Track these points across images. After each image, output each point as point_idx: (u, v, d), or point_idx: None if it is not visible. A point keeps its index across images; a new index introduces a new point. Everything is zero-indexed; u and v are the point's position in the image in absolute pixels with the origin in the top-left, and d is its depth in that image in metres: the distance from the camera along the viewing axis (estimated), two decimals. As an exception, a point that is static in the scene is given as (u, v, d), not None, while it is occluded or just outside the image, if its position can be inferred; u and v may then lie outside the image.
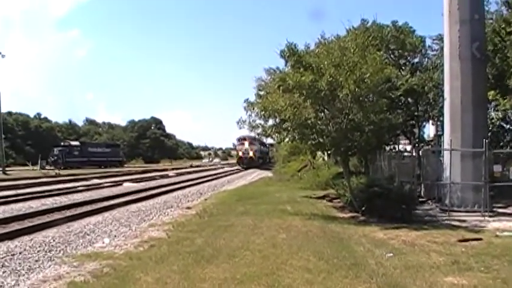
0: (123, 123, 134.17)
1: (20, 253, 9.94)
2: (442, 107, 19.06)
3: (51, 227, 13.13)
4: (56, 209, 17.25)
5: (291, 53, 15.65)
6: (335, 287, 7.17)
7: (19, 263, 9.12)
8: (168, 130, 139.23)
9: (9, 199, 19.98)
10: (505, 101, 20.48)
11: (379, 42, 21.24)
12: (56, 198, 21.65)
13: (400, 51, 26.66)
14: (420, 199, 18.76)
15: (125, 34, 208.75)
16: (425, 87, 23.38)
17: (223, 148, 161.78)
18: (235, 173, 55.26)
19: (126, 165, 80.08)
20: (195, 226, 13.67)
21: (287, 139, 18.84)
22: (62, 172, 48.25)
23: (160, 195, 24.05)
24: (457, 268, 8.38)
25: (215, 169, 66.97)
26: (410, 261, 8.93)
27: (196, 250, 9.91)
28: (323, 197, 21.73)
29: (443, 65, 18.95)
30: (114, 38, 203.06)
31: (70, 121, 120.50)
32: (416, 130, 27.22)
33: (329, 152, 29.20)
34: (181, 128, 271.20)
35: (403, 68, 26.36)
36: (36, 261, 9.40)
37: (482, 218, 15.17)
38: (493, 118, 21.87)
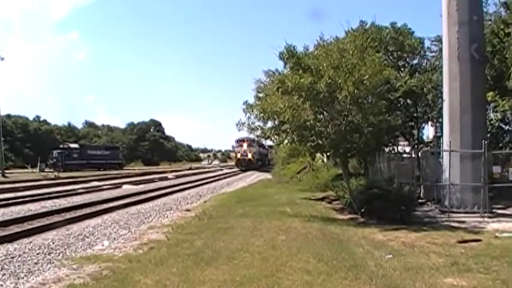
0: (123, 126, 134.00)
1: (20, 256, 9.94)
2: (441, 108, 19.08)
3: (51, 230, 13.14)
4: (55, 211, 17.25)
5: (289, 55, 15.69)
6: (334, 288, 7.18)
7: (18, 266, 9.12)
8: (168, 132, 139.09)
9: (8, 202, 19.96)
10: (504, 102, 20.47)
11: (378, 44, 21.28)
12: (55, 200, 21.64)
13: (399, 52, 26.65)
14: (419, 200, 18.77)
15: (123, 38, 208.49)
16: (424, 88, 23.38)
17: (223, 150, 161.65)
18: (235, 175, 55.22)
19: (125, 168, 79.90)
20: (194, 228, 13.67)
21: (286, 141, 18.86)
22: (61, 175, 48.11)
23: (160, 197, 24.04)
24: (456, 269, 8.38)
25: (214, 171, 66.86)
26: (409, 263, 8.94)
27: (196, 252, 9.91)
28: (322, 199, 21.73)
29: (442, 66, 18.97)
30: (112, 41, 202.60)
31: (69, 124, 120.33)
32: (415, 131, 27.21)
33: (328, 154, 29.22)
34: (181, 130, 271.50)
35: (402, 69, 26.33)
36: (36, 263, 9.40)
37: (481, 219, 15.17)
38: (492, 119, 21.90)
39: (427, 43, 26.51)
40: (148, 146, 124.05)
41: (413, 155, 23.30)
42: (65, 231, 13.12)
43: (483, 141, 16.06)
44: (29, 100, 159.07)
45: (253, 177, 49.27)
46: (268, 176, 48.39)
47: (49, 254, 10.35)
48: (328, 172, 32.09)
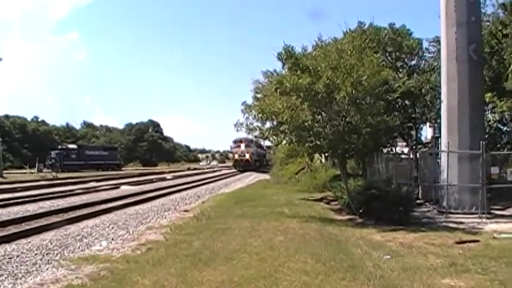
0: (121, 126, 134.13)
1: (18, 256, 9.94)
2: (439, 109, 19.10)
3: (49, 230, 13.13)
4: (53, 212, 17.23)
5: (288, 56, 15.69)
6: (332, 289, 7.19)
7: (16, 266, 9.11)
8: (166, 133, 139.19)
9: (6, 202, 19.93)
10: (502, 103, 20.48)
11: (376, 45, 21.29)
12: (54, 201, 21.62)
13: (397, 53, 26.65)
14: (417, 201, 18.78)
15: (122, 38, 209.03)
16: (422, 89, 23.38)
17: (221, 151, 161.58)
18: (233, 175, 55.17)
19: (123, 168, 79.98)
20: (192, 229, 13.67)
21: (284, 141, 18.87)
22: (60, 175, 48.14)
23: (158, 198, 24.02)
24: (454, 270, 8.39)
25: (213, 172, 66.71)
26: (407, 263, 8.94)
27: (194, 253, 9.92)
28: (320, 200, 21.73)
29: (440, 67, 18.99)
30: (111, 42, 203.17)
31: (67, 124, 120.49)
32: (413, 132, 27.21)
33: (326, 155, 29.19)
34: (179, 131, 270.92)
35: (400, 70, 26.34)
36: (34, 264, 9.39)
37: (479, 220, 15.17)
38: (490, 120, 21.90)
39: (425, 44, 26.53)
40: (147, 146, 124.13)
41: (411, 156, 23.27)
42: (63, 231, 13.12)
43: (481, 142, 16.06)
44: (28, 100, 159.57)
45: (252, 177, 49.23)
46: (266, 176, 48.31)
47: (47, 254, 10.34)
48: (327, 173, 32.04)
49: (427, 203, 19.20)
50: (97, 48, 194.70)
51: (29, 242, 11.39)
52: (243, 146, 67.24)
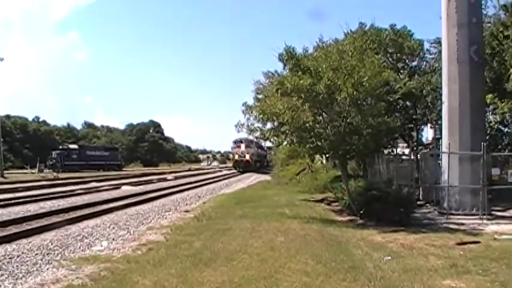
0: (122, 127, 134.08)
1: (18, 256, 9.94)
2: (440, 110, 19.08)
3: (50, 230, 13.14)
4: (54, 212, 17.25)
5: (289, 57, 15.68)
6: (333, 290, 7.18)
7: (17, 266, 9.11)
8: (167, 133, 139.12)
9: (7, 202, 19.94)
10: (503, 104, 20.48)
11: (377, 46, 21.27)
12: (54, 201, 21.63)
13: (398, 54, 26.65)
14: (418, 202, 18.80)
15: (122, 38, 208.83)
16: (423, 90, 23.38)
17: (222, 151, 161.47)
18: (234, 176, 55.14)
19: (124, 169, 79.96)
20: (193, 229, 13.67)
21: (285, 142, 18.89)
22: (60, 175, 48.14)
23: (159, 198, 24.03)
24: (455, 271, 8.39)
25: (213, 172, 66.61)
26: (408, 265, 8.94)
27: (194, 253, 9.92)
28: (321, 201, 21.76)
29: (441, 68, 18.98)
30: (112, 42, 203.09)
31: (68, 124, 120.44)
32: (414, 133, 27.22)
33: (327, 156, 29.18)
34: (180, 131, 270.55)
35: (401, 71, 26.33)
36: (34, 264, 9.39)
37: (480, 221, 15.17)
38: (491, 121, 21.90)
39: (426, 45, 26.53)
40: (148, 147, 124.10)
41: (412, 157, 23.24)
42: (64, 231, 13.12)
43: (482, 143, 16.07)
44: (29, 100, 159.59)
45: (252, 178, 49.22)
46: (267, 177, 48.30)
47: (47, 254, 10.34)
48: (327, 174, 32.03)
49: (427, 204, 19.19)
50: (97, 48, 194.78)
51: (30, 242, 11.40)
52: (243, 146, 66.72)
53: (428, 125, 28.76)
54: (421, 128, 28.37)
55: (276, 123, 17.05)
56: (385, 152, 24.72)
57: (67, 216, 16.28)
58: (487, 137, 19.03)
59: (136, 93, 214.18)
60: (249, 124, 18.82)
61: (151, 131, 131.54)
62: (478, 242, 11.30)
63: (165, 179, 45.03)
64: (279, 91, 15.55)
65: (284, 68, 17.22)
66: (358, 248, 10.71)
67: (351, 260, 9.31)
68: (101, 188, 30.78)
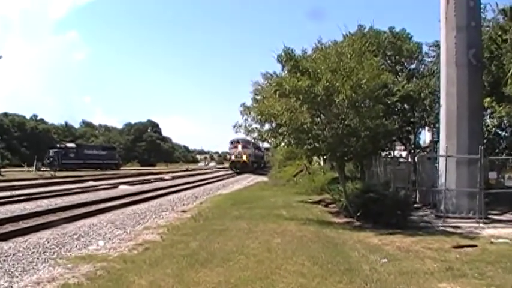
0: (120, 126, 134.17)
1: (14, 254, 9.92)
2: (438, 113, 19.13)
3: (46, 229, 13.12)
4: (51, 210, 17.20)
5: (287, 58, 15.68)
6: (329, 292, 7.18)
7: (13, 265, 9.09)
8: (165, 133, 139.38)
9: (4, 200, 19.90)
10: (501, 108, 20.53)
11: (376, 48, 21.30)
12: (51, 200, 21.59)
13: (396, 57, 26.72)
14: (415, 205, 18.79)
15: (121, 38, 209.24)
16: (421, 93, 23.44)
17: (219, 152, 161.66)
18: (231, 177, 55.10)
19: (122, 168, 79.90)
20: (189, 230, 13.65)
21: (283, 144, 18.92)
22: (58, 174, 48.07)
23: (156, 198, 24.00)
24: (451, 274, 8.39)
25: (211, 173, 66.41)
26: (404, 267, 8.94)
27: (191, 254, 9.91)
28: (318, 202, 21.75)
29: (439, 71, 19.02)
30: (111, 41, 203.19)
31: (66, 123, 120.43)
32: (412, 136, 27.28)
33: (325, 157, 29.23)
34: (178, 131, 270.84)
35: (400, 74, 26.40)
36: (30, 262, 9.37)
37: (477, 225, 15.20)
38: (488, 125, 21.95)
39: (425, 48, 26.64)
40: (145, 146, 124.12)
41: (409, 160, 23.32)
42: (60, 230, 13.10)
43: (479, 146, 16.10)
44: (27, 99, 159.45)
45: (250, 179, 49.22)
46: (264, 179, 48.23)
47: (44, 253, 10.33)
48: (325, 175, 32.04)
49: (424, 207, 19.19)
50: (97, 47, 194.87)
51: (26, 241, 11.37)
52: (240, 147, 66.02)
53: (426, 128, 28.85)
54: (419, 131, 28.46)
55: (274, 124, 17.06)
56: (383, 154, 24.76)
57: (64, 214, 16.24)
58: (485, 141, 19.04)
59: (135, 93, 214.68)
60: (247, 125, 18.84)
61: (149, 130, 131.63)
62: (475, 246, 11.32)
63: (162, 179, 44.97)
64: (277, 92, 15.55)
65: (283, 69, 17.25)
66: (355, 250, 10.71)
67: (347, 262, 9.30)
68: (98, 187, 30.73)
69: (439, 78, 19.23)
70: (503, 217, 16.80)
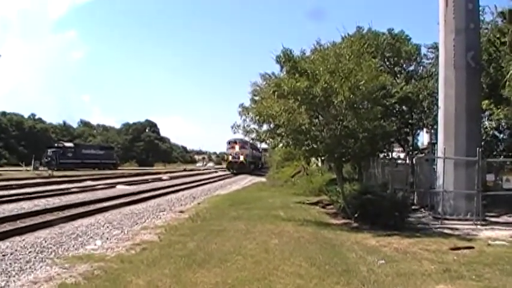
0: (118, 126, 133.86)
1: (11, 254, 9.90)
2: (437, 115, 19.14)
3: (43, 228, 13.10)
4: (48, 210, 17.17)
5: (286, 59, 15.68)
6: (326, 293, 7.19)
7: (10, 264, 9.07)
8: (163, 133, 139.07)
9: (1, 199, 19.84)
10: (499, 110, 20.57)
11: (374, 50, 21.34)
12: (49, 199, 21.56)
13: (395, 59, 26.75)
14: (413, 207, 18.83)
15: (120, 38, 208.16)
16: (420, 95, 23.42)
17: (218, 152, 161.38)
18: (229, 177, 55.09)
19: (119, 168, 79.80)
20: (187, 230, 13.65)
21: (281, 144, 18.88)
22: (56, 173, 47.94)
23: (154, 198, 23.99)
24: (448, 276, 8.40)
25: (209, 173, 66.25)
26: (402, 269, 8.95)
27: (188, 254, 9.91)
28: (316, 203, 21.76)
29: (438, 73, 19.07)
30: (110, 41, 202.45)
31: (64, 122, 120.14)
32: (410, 138, 27.25)
33: (323, 158, 29.23)
34: (176, 131, 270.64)
35: (398, 75, 26.43)
36: (27, 262, 9.36)
37: (474, 227, 15.23)
38: (486, 127, 21.97)
39: (423, 50, 26.71)
40: (143, 146, 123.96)
41: (407, 161, 23.32)
42: (58, 230, 13.09)
43: (477, 149, 16.13)
44: (25, 98, 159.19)
45: (247, 180, 49.24)
46: (262, 179, 48.20)
47: (41, 252, 10.31)
48: (323, 176, 32.06)
49: (422, 209, 19.22)
50: (95, 47, 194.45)
51: (23, 240, 11.36)
52: (237, 147, 65.58)
53: (424, 129, 28.86)
54: (417, 133, 28.43)
55: (272, 125, 17.06)
56: (381, 156, 24.75)
57: (61, 214, 16.23)
58: (483, 143, 19.06)
59: (133, 92, 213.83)
60: (245, 125, 18.77)
61: (147, 130, 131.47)
62: (472, 248, 11.33)
63: (160, 179, 44.94)
64: (276, 93, 15.54)
65: (281, 70, 17.25)
66: (352, 252, 10.72)
67: (345, 263, 9.31)
68: (95, 187, 30.68)
69: (437, 80, 19.26)
70: (501, 219, 16.82)
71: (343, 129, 16.12)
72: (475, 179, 16.18)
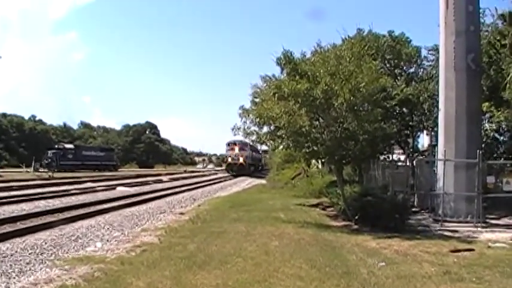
0: (118, 127, 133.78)
1: (12, 255, 9.90)
2: (437, 117, 19.14)
3: (44, 230, 13.10)
4: (48, 211, 17.19)
5: (286, 61, 15.67)
6: (327, 295, 7.18)
7: (10, 266, 9.07)
8: (163, 135, 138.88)
9: (1, 201, 19.85)
10: (499, 112, 20.58)
11: (375, 52, 21.37)
12: (49, 201, 21.56)
13: (395, 61, 26.75)
14: (413, 209, 18.79)
15: (121, 39, 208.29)
16: (420, 97, 23.46)
17: (218, 154, 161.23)
18: (229, 179, 55.06)
19: (120, 170, 79.78)
20: (187, 232, 13.64)
21: (281, 146, 18.90)
22: (56, 175, 47.91)
23: (154, 200, 24.00)
24: (448, 278, 8.38)
25: (209, 175, 66.23)
26: (402, 271, 8.93)
27: (188, 256, 9.90)
28: (316, 205, 21.75)
29: (438, 75, 19.04)
30: (110, 42, 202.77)
31: (65, 124, 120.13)
32: (410, 140, 27.30)
33: (323, 161, 29.25)
34: (176, 133, 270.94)
35: (399, 78, 26.41)
36: (28, 263, 9.36)
37: (474, 229, 15.20)
38: (487, 129, 21.98)
39: (424, 52, 26.68)
40: (144, 148, 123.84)
41: (408, 164, 23.33)
42: (58, 231, 13.09)
43: (478, 151, 16.11)
44: (25, 100, 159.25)
45: (247, 182, 49.21)
46: (262, 181, 48.16)
47: (41, 254, 10.32)
48: (323, 179, 32.06)
49: (422, 211, 19.20)
50: (96, 48, 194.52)
51: (24, 241, 11.36)
52: (237, 149, 64.79)
53: (425, 131, 28.91)
54: (417, 135, 28.54)
55: (272, 127, 17.06)
56: (381, 158, 24.75)
57: (61, 216, 16.23)
58: (483, 145, 19.06)
59: (133, 94, 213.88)
60: (246, 127, 18.79)
61: (147, 132, 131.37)
62: (472, 250, 11.32)
63: (160, 181, 44.97)
64: (276, 95, 15.54)
65: (282, 72, 17.21)
66: (353, 254, 10.71)
67: (345, 265, 9.31)
68: (96, 189, 30.68)
69: (437, 82, 19.25)
70: (501, 221, 16.80)
71: (343, 132, 16.12)
72: (476, 181, 16.16)
